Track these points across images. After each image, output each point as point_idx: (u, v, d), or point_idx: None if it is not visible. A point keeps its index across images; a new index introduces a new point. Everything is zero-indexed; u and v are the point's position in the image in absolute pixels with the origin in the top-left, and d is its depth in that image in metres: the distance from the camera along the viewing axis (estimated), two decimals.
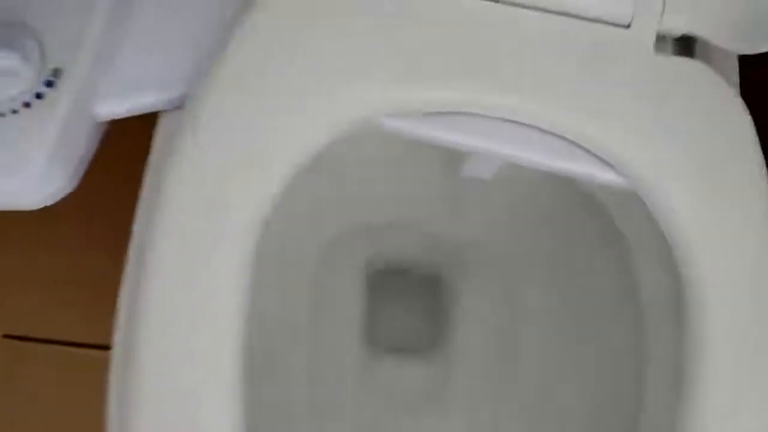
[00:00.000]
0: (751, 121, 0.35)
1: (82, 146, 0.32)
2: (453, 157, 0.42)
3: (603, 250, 0.42)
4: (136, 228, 0.33)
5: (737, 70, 0.39)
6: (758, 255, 0.32)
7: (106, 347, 0.53)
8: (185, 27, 0.33)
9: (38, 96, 0.30)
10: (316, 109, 0.32)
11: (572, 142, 0.34)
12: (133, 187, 0.35)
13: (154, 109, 0.34)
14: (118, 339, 0.33)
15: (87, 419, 0.52)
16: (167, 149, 0.32)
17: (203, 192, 0.30)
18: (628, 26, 0.35)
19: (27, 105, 0.30)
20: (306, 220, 0.46)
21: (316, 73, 0.32)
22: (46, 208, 0.34)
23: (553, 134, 0.34)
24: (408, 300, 0.54)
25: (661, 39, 0.36)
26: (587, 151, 0.34)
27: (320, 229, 0.48)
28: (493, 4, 0.35)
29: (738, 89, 0.39)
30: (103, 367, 0.55)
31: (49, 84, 0.30)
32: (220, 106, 0.31)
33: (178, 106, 0.33)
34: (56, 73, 0.30)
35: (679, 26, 0.36)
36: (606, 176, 0.35)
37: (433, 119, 0.34)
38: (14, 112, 0.30)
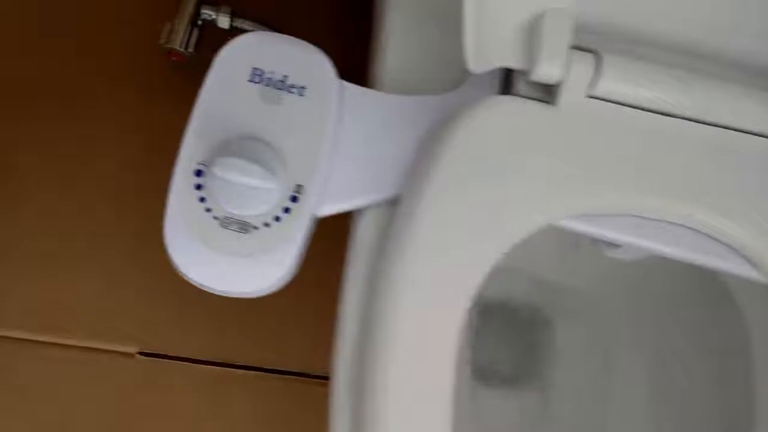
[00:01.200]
0: None
1: (307, 244, 0.36)
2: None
3: (718, 321, 0.47)
4: (350, 295, 0.37)
5: None
6: None
7: (230, 365, 0.59)
8: (394, 133, 0.37)
9: (286, 210, 0.34)
10: (516, 218, 0.36)
11: (722, 243, 0.39)
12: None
13: (360, 207, 0.38)
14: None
15: None
16: (378, 236, 0.37)
17: (428, 274, 0.35)
18: None
19: (277, 219, 0.33)
20: None
21: (514, 183, 0.36)
22: None
23: (707, 235, 0.39)
24: (508, 334, 0.60)
25: None
26: (734, 250, 0.39)
27: None
28: (660, 116, 0.38)
29: None
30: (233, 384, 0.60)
31: (294, 199, 0.34)
32: (438, 208, 0.35)
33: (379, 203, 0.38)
34: (299, 189, 0.34)
35: None
36: (748, 273, 0.39)
37: (602, 220, 0.38)
38: (266, 225, 0.33)
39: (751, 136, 0.39)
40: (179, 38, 0.57)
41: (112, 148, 0.61)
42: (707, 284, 0.47)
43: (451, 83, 0.41)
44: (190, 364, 0.59)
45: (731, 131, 0.39)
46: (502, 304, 0.59)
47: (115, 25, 0.64)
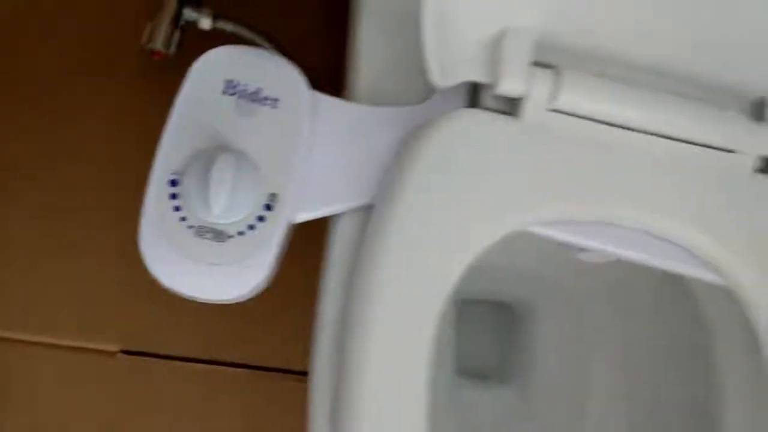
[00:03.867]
0: None
1: (285, 250, 0.37)
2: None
3: (684, 320, 0.49)
4: (326, 303, 0.39)
5: None
6: None
7: (214, 362, 0.60)
8: (365, 143, 0.38)
9: (260, 219, 0.35)
10: (484, 225, 0.38)
11: (682, 247, 0.41)
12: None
13: (335, 213, 0.39)
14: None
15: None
16: (351, 243, 0.38)
17: (400, 279, 0.36)
18: (733, 150, 0.41)
19: (252, 227, 0.35)
20: None
21: (480, 192, 0.38)
22: None
23: (667, 240, 0.41)
24: (487, 328, 0.61)
25: (759, 159, 0.42)
26: (693, 254, 0.41)
27: None
28: (626, 132, 0.40)
29: None
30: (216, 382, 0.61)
31: (269, 208, 0.35)
32: (406, 220, 0.37)
33: (354, 210, 0.39)
34: (273, 197, 0.35)
35: None
36: (705, 275, 0.41)
37: (566, 227, 0.40)
38: (241, 234, 0.34)
39: (704, 148, 0.41)
40: (161, 38, 0.58)
41: (96, 146, 0.62)
42: (673, 284, 0.49)
43: (423, 94, 0.43)
44: (174, 361, 0.61)
45: (685, 144, 0.41)
46: (482, 300, 0.61)
47: (99, 24, 0.64)
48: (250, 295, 0.37)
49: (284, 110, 0.36)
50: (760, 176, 0.42)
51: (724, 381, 0.46)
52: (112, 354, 0.60)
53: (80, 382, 0.59)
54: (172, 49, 0.60)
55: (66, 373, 0.59)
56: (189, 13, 0.60)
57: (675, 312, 0.50)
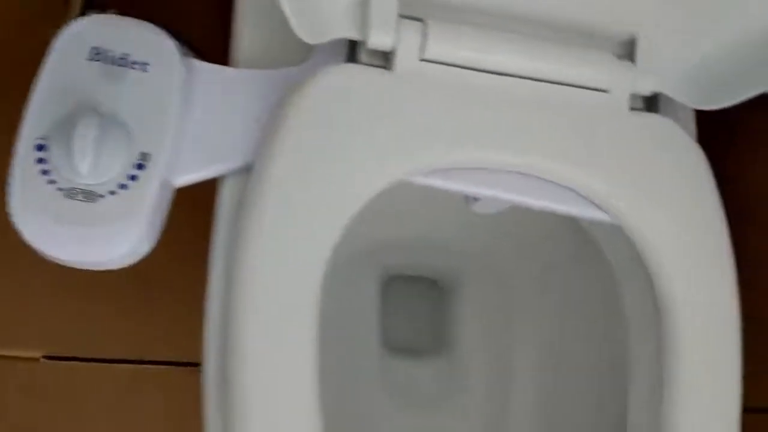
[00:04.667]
0: (708, 164, 0.43)
1: (163, 214, 0.37)
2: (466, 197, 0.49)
3: (591, 270, 0.50)
4: (214, 269, 0.39)
5: (694, 120, 0.47)
6: (718, 279, 0.41)
7: (139, 361, 0.59)
8: (243, 105, 0.39)
9: (132, 178, 0.35)
10: (358, 180, 0.38)
11: (567, 188, 0.42)
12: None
13: (218, 175, 0.39)
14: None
15: None
16: (236, 205, 0.38)
17: (281, 235, 0.36)
18: (607, 90, 0.43)
19: (123, 186, 0.35)
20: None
21: (357, 146, 0.38)
22: None
23: (551, 181, 0.42)
24: (414, 304, 0.62)
25: (633, 98, 0.44)
26: (578, 194, 0.42)
27: (346, 248, 0.55)
28: (495, 76, 0.41)
29: (695, 136, 0.47)
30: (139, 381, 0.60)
31: (140, 167, 0.35)
32: (280, 178, 0.37)
33: (237, 171, 0.39)
34: (144, 156, 0.35)
35: (648, 88, 0.43)
36: (594, 214, 0.43)
37: (450, 174, 0.41)
38: (112, 193, 0.35)
39: (578, 89, 0.42)
40: None
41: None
42: (576, 233, 0.50)
43: (304, 57, 0.44)
44: (98, 363, 0.60)
45: (560, 86, 0.42)
46: (407, 274, 0.61)
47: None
48: (132, 259, 0.37)
49: (154, 74, 0.37)
50: (636, 114, 0.44)
51: (629, 327, 0.46)
52: (34, 360, 0.59)
53: (2, 391, 0.58)
54: None
55: None
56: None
57: (584, 264, 0.51)
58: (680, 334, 0.40)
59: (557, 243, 0.54)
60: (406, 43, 0.39)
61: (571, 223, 0.49)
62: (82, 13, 0.60)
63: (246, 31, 0.43)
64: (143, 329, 0.60)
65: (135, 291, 0.60)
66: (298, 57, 0.43)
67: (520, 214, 0.53)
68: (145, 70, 0.36)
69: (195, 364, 0.61)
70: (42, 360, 0.59)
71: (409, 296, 0.61)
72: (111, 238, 0.34)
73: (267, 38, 0.43)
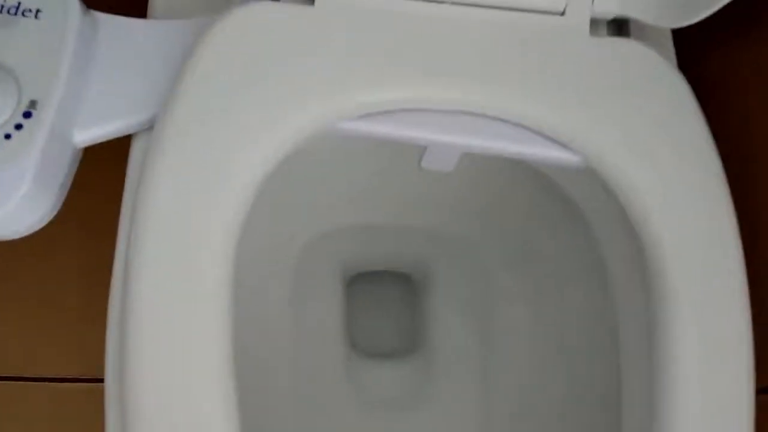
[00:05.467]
0: (690, 90, 0.38)
1: (63, 173, 0.34)
2: (412, 152, 0.44)
3: (565, 225, 0.44)
4: (119, 249, 0.35)
5: (671, 42, 0.42)
6: (708, 217, 0.35)
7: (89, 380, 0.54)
8: (150, 54, 0.36)
9: (17, 127, 0.32)
10: (275, 120, 0.34)
11: (523, 127, 0.37)
12: (110, 209, 0.37)
13: (128, 132, 0.36)
14: (109, 365, 0.34)
15: None
16: (140, 170, 0.34)
17: (178, 208, 0.32)
18: (563, 13, 0.38)
19: (8, 137, 0.31)
20: (278, 229, 0.48)
21: (272, 86, 0.34)
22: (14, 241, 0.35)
23: (504, 120, 0.37)
24: (383, 300, 0.56)
25: (595, 23, 0.39)
26: (538, 133, 0.37)
27: (294, 237, 0.50)
28: (431, 3, 0.37)
29: (674, 60, 0.41)
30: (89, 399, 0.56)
31: (27, 115, 0.32)
32: (185, 123, 0.33)
33: (147, 127, 0.36)
34: (32, 104, 0.32)
35: (610, 9, 0.38)
36: (559, 155, 0.37)
37: (386, 117, 0.36)
38: None
39: (521, 12, 0.37)
40: None
41: None
42: (551, 195, 0.44)
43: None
44: (50, 383, 0.55)
45: (508, 11, 0.37)
46: (377, 272, 0.56)
47: None
48: (22, 225, 0.32)
49: (47, 21, 0.34)
50: (599, 38, 0.38)
51: (614, 284, 0.40)
52: None
53: None
54: None
55: None
56: None
57: (559, 225, 0.45)
58: (674, 294, 0.33)
59: (527, 208, 0.47)
60: None
61: (539, 180, 0.43)
62: None
63: None
64: (97, 347, 0.55)
65: (86, 308, 0.56)
66: (219, 8, 0.40)
67: (479, 176, 0.47)
68: (37, 17, 0.34)
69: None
70: None
71: (378, 294, 0.55)
72: None
73: None
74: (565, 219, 0.45)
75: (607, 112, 0.37)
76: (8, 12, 0.33)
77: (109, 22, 0.36)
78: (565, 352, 0.46)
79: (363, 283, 0.55)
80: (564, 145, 0.37)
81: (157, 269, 0.31)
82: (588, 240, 0.43)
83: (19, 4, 0.34)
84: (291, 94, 0.34)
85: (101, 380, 0.34)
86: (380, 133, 0.37)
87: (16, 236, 0.33)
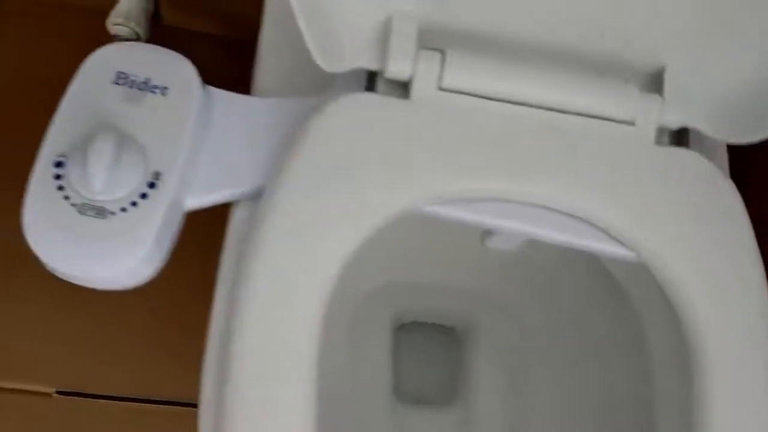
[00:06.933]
0: (741, 200, 0.41)
1: (173, 234, 0.37)
2: (481, 231, 0.47)
3: (610, 302, 0.47)
4: (219, 293, 0.38)
5: (726, 155, 0.45)
6: (753, 319, 0.38)
7: (150, 401, 0.58)
8: (256, 129, 0.39)
9: (143, 196, 0.35)
10: (372, 204, 0.37)
11: (589, 223, 0.40)
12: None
13: (230, 200, 0.39)
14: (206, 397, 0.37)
15: None
16: (246, 232, 0.38)
17: (284, 261, 0.35)
18: (632, 123, 0.41)
19: (134, 204, 0.35)
20: (347, 282, 0.51)
21: (371, 172, 0.38)
22: None
23: (572, 216, 0.40)
24: (428, 352, 0.59)
25: (660, 131, 0.42)
26: (600, 229, 0.40)
27: (357, 288, 0.53)
28: (516, 106, 0.41)
29: (727, 171, 0.45)
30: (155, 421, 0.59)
31: (151, 185, 0.36)
32: (291, 200, 0.37)
33: (250, 197, 0.39)
34: (156, 175, 0.36)
35: (676, 121, 0.42)
36: (617, 250, 0.40)
37: (465, 204, 0.40)
38: (123, 210, 0.35)
39: (603, 121, 0.41)
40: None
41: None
42: (598, 272, 0.47)
43: (324, 87, 0.44)
44: (110, 401, 0.58)
45: (583, 117, 0.41)
46: (423, 323, 0.59)
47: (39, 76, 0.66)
48: (139, 279, 0.36)
49: (173, 98, 0.37)
50: (664, 148, 0.42)
51: (655, 367, 0.43)
52: (47, 395, 0.58)
53: (14, 425, 0.57)
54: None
55: (1, 415, 0.57)
56: None
57: (604, 304, 0.48)
58: (713, 384, 0.36)
59: (576, 284, 0.51)
60: (423, 73, 0.39)
61: (591, 263, 0.47)
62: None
63: (268, 61, 0.44)
64: (157, 369, 0.59)
65: (152, 331, 0.59)
66: (319, 87, 0.44)
67: (537, 254, 0.51)
68: (164, 94, 0.37)
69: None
70: (54, 395, 0.59)
71: (422, 343, 0.59)
72: (117, 253, 0.34)
73: (288, 68, 0.44)
74: (610, 297, 0.48)
75: (664, 216, 0.40)
76: (138, 88, 0.37)
77: (221, 97, 0.40)
78: (595, 419, 0.49)
79: (410, 332, 0.58)
80: (622, 242, 0.40)
81: (259, 327, 0.34)
82: (631, 318, 0.46)
83: (147, 80, 0.38)
84: (387, 181, 0.38)
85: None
86: (457, 217, 0.40)
87: (128, 287, 0.36)
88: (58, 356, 0.59)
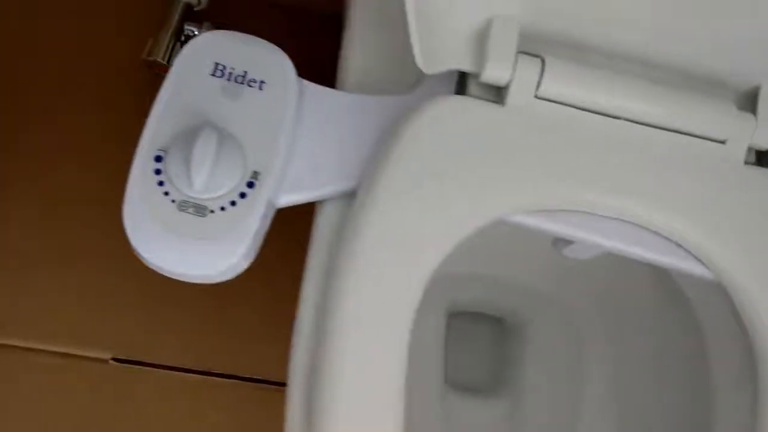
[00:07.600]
0: None
1: (264, 232, 0.37)
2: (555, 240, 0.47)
3: (674, 322, 0.48)
4: (307, 289, 0.38)
5: None
6: None
7: (205, 372, 0.59)
8: (346, 127, 0.39)
9: (242, 195, 0.35)
10: (464, 214, 0.37)
11: (671, 240, 0.40)
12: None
13: (318, 199, 0.39)
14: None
15: None
16: (335, 233, 0.38)
17: (380, 263, 0.36)
18: (723, 142, 0.41)
19: (233, 203, 0.35)
20: None
21: (463, 177, 0.38)
22: None
23: (655, 232, 0.40)
24: (476, 341, 0.60)
25: (748, 151, 0.42)
26: (680, 246, 0.40)
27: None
28: (613, 120, 0.40)
29: None
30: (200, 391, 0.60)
31: (250, 185, 0.35)
32: (389, 199, 0.37)
33: (339, 195, 0.39)
34: (255, 175, 0.35)
35: (767, 141, 0.41)
36: (695, 269, 0.40)
37: (549, 214, 0.40)
38: (222, 209, 0.35)
39: (694, 138, 0.41)
40: (161, 51, 0.60)
41: (93, 158, 0.63)
42: (664, 285, 0.48)
43: (412, 85, 0.43)
44: (165, 371, 0.60)
45: (673, 133, 0.41)
46: (475, 313, 0.60)
47: (101, 39, 0.66)
48: (230, 275, 0.36)
49: (270, 92, 0.37)
50: (752, 168, 0.42)
51: (717, 384, 0.44)
52: (104, 361, 0.60)
53: (72, 389, 0.59)
54: (172, 62, 0.62)
55: (58, 380, 0.58)
56: (190, 28, 0.62)
57: (667, 316, 0.49)
58: None
59: (639, 291, 0.52)
60: (522, 79, 0.38)
61: (658, 275, 0.47)
62: (180, 24, 0.62)
63: (355, 56, 0.43)
64: (213, 341, 0.60)
65: (210, 303, 0.60)
66: (405, 84, 0.43)
67: (604, 262, 0.51)
68: (261, 89, 0.37)
69: (261, 381, 0.62)
70: (111, 362, 0.60)
71: (472, 332, 0.60)
72: (216, 253, 0.34)
73: (374, 64, 0.43)
74: (675, 310, 0.48)
75: (747, 237, 0.40)
76: (236, 81, 0.36)
77: (314, 91, 0.39)
78: (650, 425, 0.50)
79: (461, 321, 0.59)
80: (701, 261, 0.40)
81: (357, 317, 0.35)
82: (694, 334, 0.47)
83: (245, 73, 0.37)
84: (480, 193, 0.37)
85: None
86: (540, 227, 0.40)
87: (224, 280, 0.37)
88: (117, 324, 0.60)
